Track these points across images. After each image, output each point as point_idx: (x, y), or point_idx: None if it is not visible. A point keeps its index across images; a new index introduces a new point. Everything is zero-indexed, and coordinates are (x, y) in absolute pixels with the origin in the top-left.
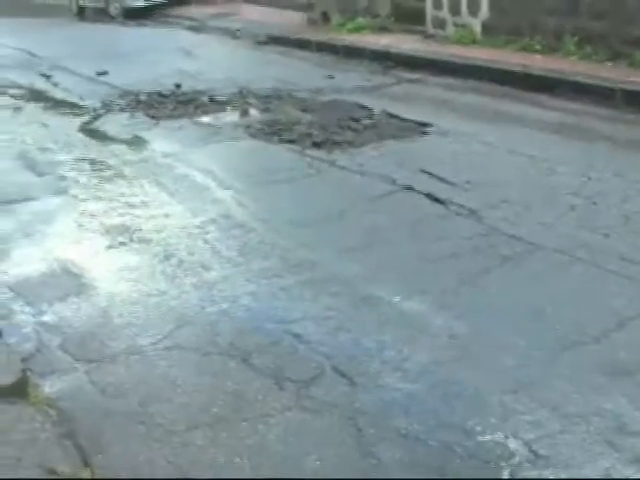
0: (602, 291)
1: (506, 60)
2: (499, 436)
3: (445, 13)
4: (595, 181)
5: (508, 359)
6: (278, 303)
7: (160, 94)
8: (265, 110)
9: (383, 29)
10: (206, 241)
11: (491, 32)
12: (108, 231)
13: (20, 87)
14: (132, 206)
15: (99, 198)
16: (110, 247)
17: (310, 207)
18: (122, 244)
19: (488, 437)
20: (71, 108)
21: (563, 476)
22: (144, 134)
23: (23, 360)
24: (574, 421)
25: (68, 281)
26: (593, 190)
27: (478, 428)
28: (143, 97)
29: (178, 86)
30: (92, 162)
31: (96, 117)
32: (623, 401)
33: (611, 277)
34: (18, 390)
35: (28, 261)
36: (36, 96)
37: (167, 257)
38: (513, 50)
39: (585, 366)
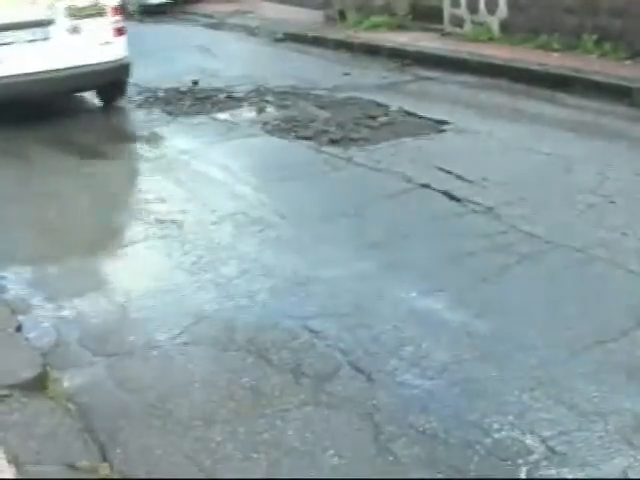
0: (621, 289)
1: (523, 58)
2: (517, 433)
3: (463, 11)
4: (613, 179)
5: (526, 357)
6: (295, 299)
7: (178, 91)
8: (282, 107)
9: (400, 27)
10: (223, 237)
11: (509, 30)
12: (125, 227)
13: None
14: (149, 202)
15: (116, 194)
16: (127, 242)
17: (327, 204)
18: (140, 240)
19: (506, 434)
20: (88, 104)
21: (580, 474)
22: (161, 130)
23: (43, 355)
24: (592, 419)
25: (86, 276)
26: (611, 188)
27: (496, 425)
28: (161, 94)
29: (195, 83)
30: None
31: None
32: None
33: (630, 276)
34: (38, 385)
35: (46, 256)
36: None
37: (185, 253)
38: (531, 48)
39: (604, 365)
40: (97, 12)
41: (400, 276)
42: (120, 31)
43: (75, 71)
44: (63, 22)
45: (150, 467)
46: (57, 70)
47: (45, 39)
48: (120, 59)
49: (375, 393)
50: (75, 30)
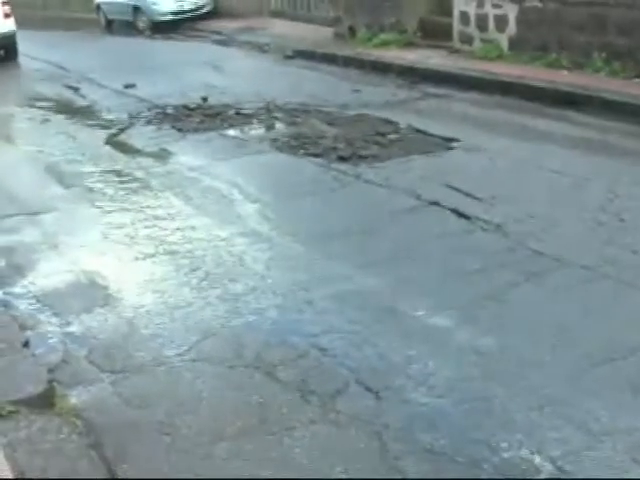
0: (629, 307)
1: (533, 76)
2: (525, 452)
3: (472, 29)
4: (622, 197)
5: (534, 375)
6: (303, 316)
7: (187, 107)
8: (291, 124)
9: (410, 44)
10: (232, 253)
11: (518, 48)
12: (134, 243)
13: (48, 99)
14: (158, 218)
15: (125, 210)
16: (136, 259)
17: (335, 221)
18: (148, 256)
19: (514, 453)
20: (98, 120)
21: None
22: (170, 147)
23: (50, 371)
24: (600, 438)
25: (94, 292)
26: (620, 206)
27: (504, 444)
28: (170, 110)
29: (205, 99)
30: (119, 174)
31: (123, 129)
32: None
33: (638, 293)
34: (45, 401)
35: (55, 272)
36: (64, 108)
37: (193, 269)
38: (540, 66)
39: (612, 383)
40: None
41: (408, 293)
42: (8, 15)
43: None
44: None
45: None
46: None
47: None
48: (8, 32)
49: (383, 411)
50: None
